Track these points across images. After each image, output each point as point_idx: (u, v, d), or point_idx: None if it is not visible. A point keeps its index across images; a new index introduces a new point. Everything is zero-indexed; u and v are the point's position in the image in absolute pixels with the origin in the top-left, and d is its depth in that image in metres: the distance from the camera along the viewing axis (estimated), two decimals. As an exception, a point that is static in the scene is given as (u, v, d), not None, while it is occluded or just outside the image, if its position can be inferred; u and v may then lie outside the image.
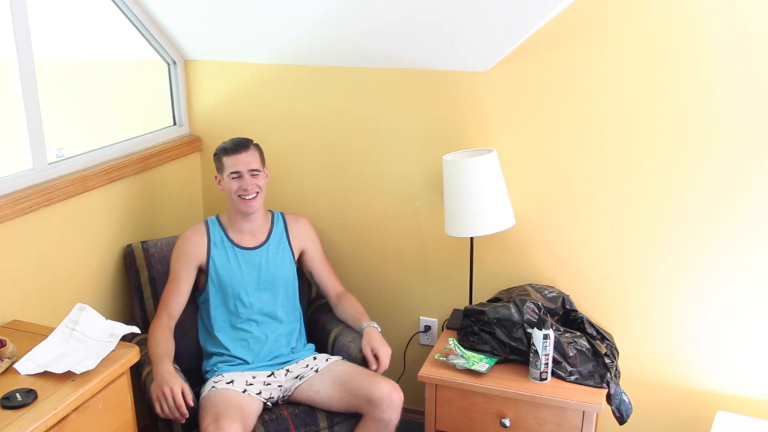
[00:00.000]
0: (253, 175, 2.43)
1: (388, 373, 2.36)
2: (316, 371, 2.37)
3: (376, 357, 2.33)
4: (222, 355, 2.45)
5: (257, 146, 2.49)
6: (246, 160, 2.42)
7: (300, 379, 2.38)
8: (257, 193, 2.44)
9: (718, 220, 2.36)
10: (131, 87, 3.04)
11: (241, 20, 2.58)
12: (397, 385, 2.24)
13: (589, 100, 2.42)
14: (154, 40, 2.79)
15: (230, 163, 2.43)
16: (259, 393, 2.32)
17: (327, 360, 2.41)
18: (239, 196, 2.42)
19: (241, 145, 2.45)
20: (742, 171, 2.29)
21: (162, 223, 2.82)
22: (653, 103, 2.34)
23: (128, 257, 2.58)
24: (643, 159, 2.40)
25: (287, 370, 2.43)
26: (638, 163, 2.41)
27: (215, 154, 2.50)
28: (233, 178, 2.42)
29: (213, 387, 2.29)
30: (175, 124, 2.97)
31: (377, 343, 2.35)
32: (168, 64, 2.91)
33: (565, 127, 2.48)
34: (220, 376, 2.35)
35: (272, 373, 2.41)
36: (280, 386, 2.39)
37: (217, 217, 2.54)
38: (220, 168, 2.48)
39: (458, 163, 2.43)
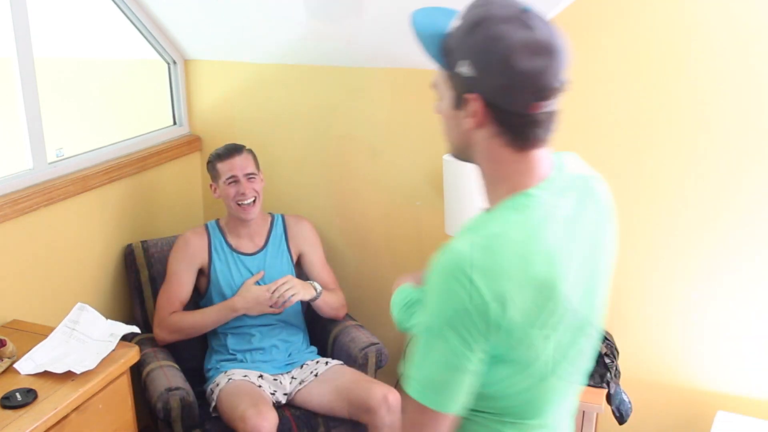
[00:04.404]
0: (249, 179, 2.41)
1: (387, 374, 2.36)
2: (316, 375, 2.36)
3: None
4: (223, 353, 2.45)
5: (250, 151, 2.48)
6: (241, 164, 2.41)
7: (301, 383, 2.37)
8: (255, 198, 2.42)
9: (717, 219, 2.36)
10: (131, 87, 3.04)
11: (241, 20, 2.58)
12: (392, 388, 2.21)
13: (587, 100, 2.41)
14: (154, 40, 2.79)
15: (225, 168, 2.41)
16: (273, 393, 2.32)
17: (327, 364, 2.40)
18: (237, 202, 2.40)
19: (234, 149, 2.44)
20: (740, 169, 2.29)
21: (162, 223, 2.82)
22: (651, 102, 2.34)
23: (128, 257, 2.58)
24: (642, 158, 2.40)
25: (292, 377, 2.42)
26: (637, 162, 2.41)
27: (209, 162, 2.48)
28: (229, 183, 2.40)
29: (230, 379, 2.29)
30: (175, 123, 2.97)
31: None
32: (168, 64, 2.91)
33: (564, 126, 2.46)
34: (232, 371, 2.35)
35: (276, 378, 2.40)
36: (285, 393, 2.37)
37: (217, 222, 2.54)
38: (215, 176, 2.45)
39: (458, 162, 2.43)
